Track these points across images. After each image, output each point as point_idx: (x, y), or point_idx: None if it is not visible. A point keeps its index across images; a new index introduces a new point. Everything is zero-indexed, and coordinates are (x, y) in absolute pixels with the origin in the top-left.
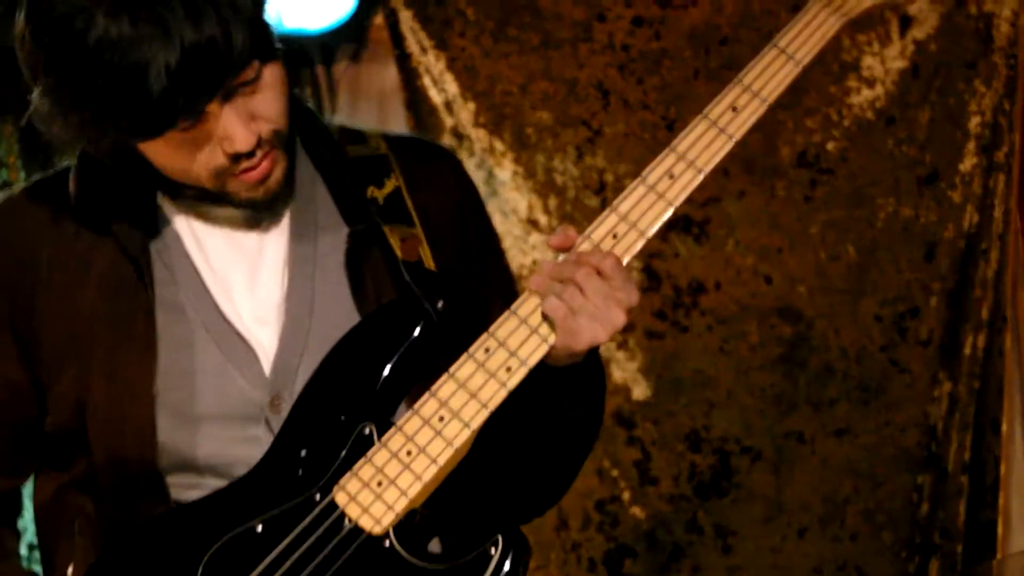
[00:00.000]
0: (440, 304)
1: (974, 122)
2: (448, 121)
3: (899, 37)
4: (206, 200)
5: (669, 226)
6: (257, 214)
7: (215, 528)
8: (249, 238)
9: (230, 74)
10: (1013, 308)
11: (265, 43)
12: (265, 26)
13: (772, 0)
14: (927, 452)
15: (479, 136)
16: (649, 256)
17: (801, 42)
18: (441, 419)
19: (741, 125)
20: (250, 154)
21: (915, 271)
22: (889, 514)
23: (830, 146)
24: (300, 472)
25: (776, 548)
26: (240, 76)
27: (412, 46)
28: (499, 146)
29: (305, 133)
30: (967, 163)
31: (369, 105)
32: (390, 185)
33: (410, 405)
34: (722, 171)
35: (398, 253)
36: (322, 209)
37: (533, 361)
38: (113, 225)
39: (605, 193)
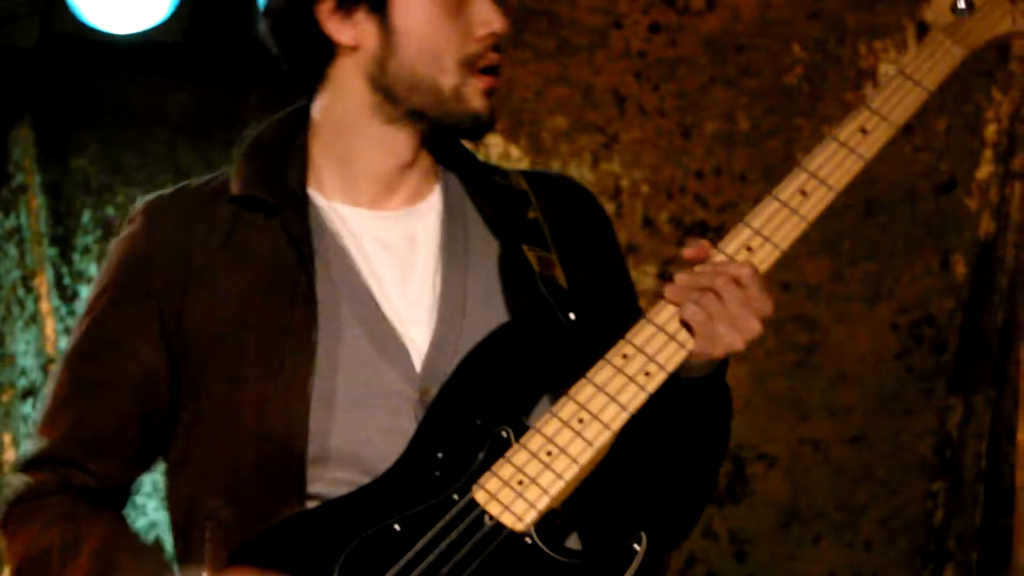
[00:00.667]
0: (572, 316)
1: (991, 130)
2: None
3: (916, 44)
4: (365, 198)
5: (686, 231)
6: (411, 220)
7: (352, 527)
8: (400, 240)
9: None
10: None
11: None
12: None
13: (789, 8)
14: (942, 460)
15: (495, 142)
16: (664, 262)
17: (927, 69)
18: (581, 421)
19: (871, 146)
20: (496, 48)
21: (931, 278)
22: (904, 521)
23: None
24: (437, 473)
25: (791, 555)
26: None
27: None
28: (515, 152)
29: (456, 155)
30: (984, 171)
31: None
32: (531, 216)
33: (542, 411)
34: (739, 176)
35: (535, 268)
36: (471, 222)
37: (672, 366)
38: (279, 211)
39: (621, 198)
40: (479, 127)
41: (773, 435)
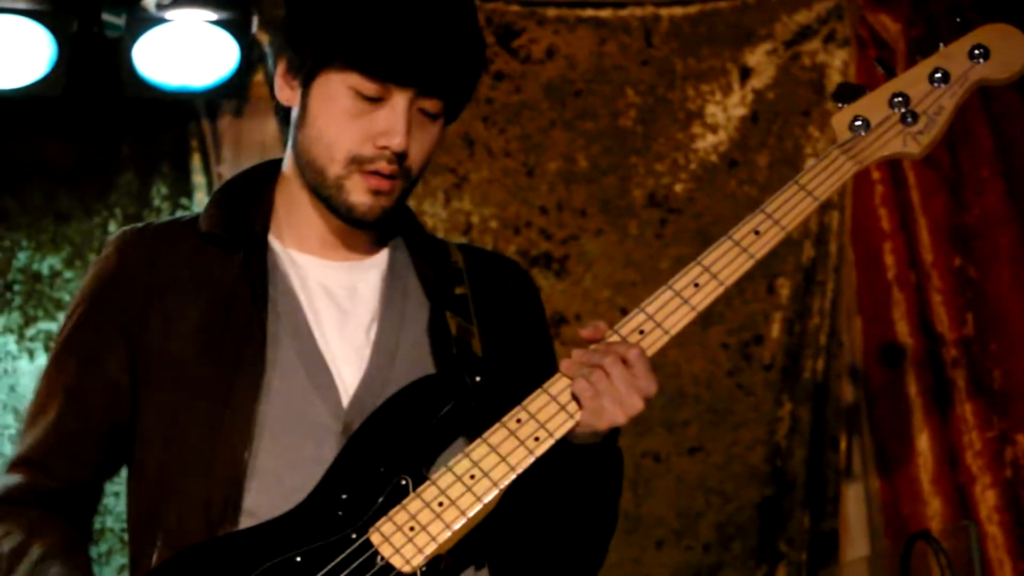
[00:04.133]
0: (477, 379)
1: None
2: None
3: (739, 87)
4: (313, 247)
5: (531, 262)
6: (350, 272)
7: (258, 555)
8: (341, 289)
9: (435, 84)
10: (848, 334)
11: (459, 105)
12: (470, 93)
13: (622, 56)
14: (772, 468)
15: None
16: None
17: (819, 181)
18: (472, 477)
19: (762, 247)
20: (392, 159)
21: (758, 301)
22: (738, 526)
23: (678, 188)
24: (340, 513)
25: (636, 559)
26: (428, 99)
27: None
28: None
29: (409, 227)
30: None
31: (251, 157)
32: (460, 291)
33: (443, 463)
34: (580, 211)
35: (453, 333)
36: (411, 285)
37: (559, 434)
38: (239, 250)
39: (471, 234)
40: (355, 219)
41: None
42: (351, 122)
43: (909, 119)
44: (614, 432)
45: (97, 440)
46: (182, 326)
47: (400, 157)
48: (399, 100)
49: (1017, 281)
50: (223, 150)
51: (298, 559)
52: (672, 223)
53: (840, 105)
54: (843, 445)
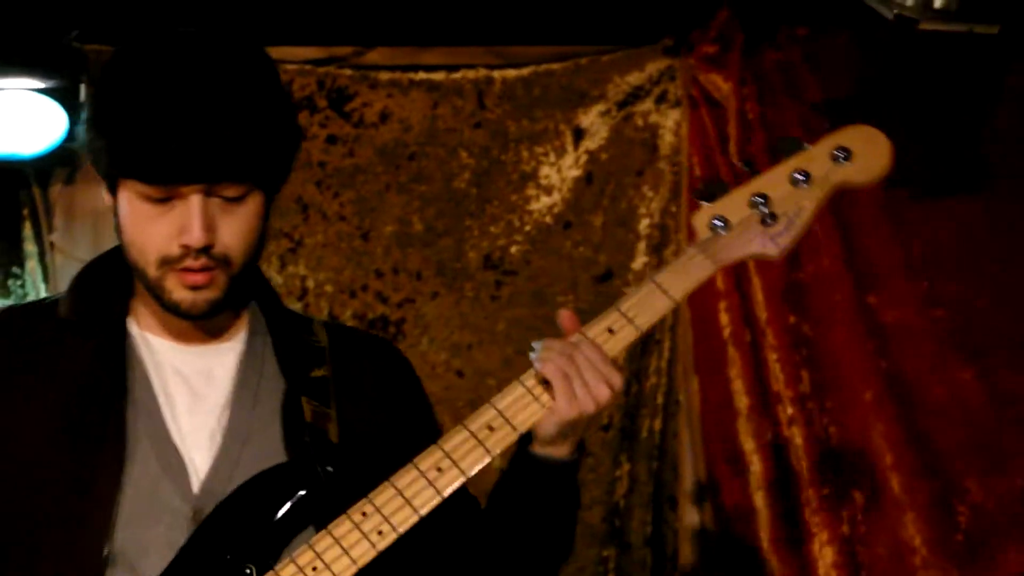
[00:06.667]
0: (329, 468)
1: (644, 224)
2: None
3: (573, 148)
4: (170, 332)
5: (368, 325)
6: (205, 358)
7: None
8: (196, 374)
9: (217, 175)
10: (685, 393)
11: (271, 178)
12: (283, 164)
13: (455, 119)
14: (611, 527)
15: None
16: None
17: (676, 281)
18: (314, 569)
19: (615, 344)
20: (197, 254)
21: None
22: None
23: (513, 250)
24: None
25: None
26: (225, 186)
27: None
28: None
29: (266, 303)
30: (638, 261)
31: (84, 224)
32: (319, 373)
33: (292, 552)
34: (415, 274)
35: (307, 419)
36: (268, 364)
37: (403, 528)
38: (96, 337)
39: (307, 298)
40: (183, 314)
41: None
42: (151, 226)
43: (769, 220)
44: (575, 464)
45: None
46: (36, 416)
47: (205, 250)
48: (191, 197)
49: (851, 338)
50: (55, 218)
51: None
52: (508, 285)
53: (702, 203)
54: (681, 504)
